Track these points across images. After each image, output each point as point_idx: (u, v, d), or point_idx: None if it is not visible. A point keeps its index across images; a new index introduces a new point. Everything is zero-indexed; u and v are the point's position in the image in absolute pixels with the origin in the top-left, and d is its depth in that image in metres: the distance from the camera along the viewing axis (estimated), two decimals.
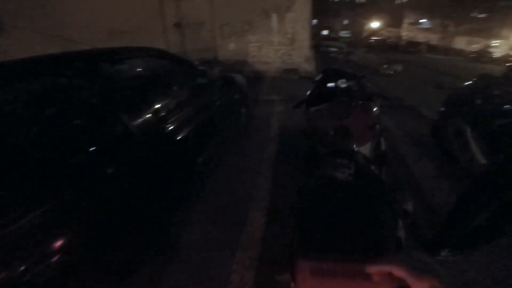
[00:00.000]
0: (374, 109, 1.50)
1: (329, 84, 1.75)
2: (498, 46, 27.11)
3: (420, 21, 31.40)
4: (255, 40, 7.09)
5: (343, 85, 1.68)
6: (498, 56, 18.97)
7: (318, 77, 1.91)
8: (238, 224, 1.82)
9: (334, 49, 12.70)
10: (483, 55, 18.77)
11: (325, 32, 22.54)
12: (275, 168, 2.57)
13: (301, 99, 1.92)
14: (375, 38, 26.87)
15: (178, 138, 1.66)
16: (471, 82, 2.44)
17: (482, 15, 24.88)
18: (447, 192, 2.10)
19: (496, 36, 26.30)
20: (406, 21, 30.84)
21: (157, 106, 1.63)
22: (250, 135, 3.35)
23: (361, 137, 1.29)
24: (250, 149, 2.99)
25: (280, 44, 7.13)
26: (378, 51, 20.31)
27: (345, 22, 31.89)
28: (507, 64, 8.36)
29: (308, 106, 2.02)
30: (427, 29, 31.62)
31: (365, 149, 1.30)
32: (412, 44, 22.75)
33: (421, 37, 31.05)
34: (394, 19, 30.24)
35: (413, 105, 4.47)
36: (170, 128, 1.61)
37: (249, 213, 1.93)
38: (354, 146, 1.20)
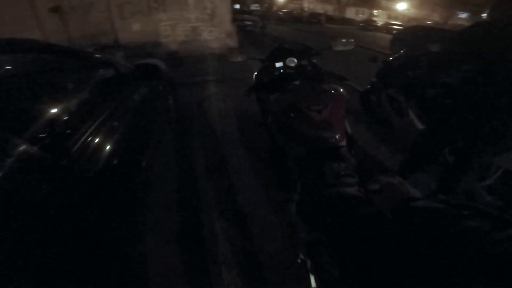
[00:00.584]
0: (344, 92, 1.33)
1: (277, 64, 1.58)
2: (379, 16, 32.91)
3: None
4: (167, 18, 6.26)
5: (292, 64, 1.54)
6: (380, 24, 22.48)
7: (265, 56, 1.74)
8: None
9: (249, 23, 12.53)
10: (369, 24, 21.92)
11: (237, 6, 22.05)
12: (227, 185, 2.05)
13: (251, 84, 1.76)
14: (284, 10, 28.24)
15: (87, 153, 1.12)
16: (399, 54, 2.68)
17: None
18: (385, 152, 2.49)
19: (377, 7, 31.72)
20: None
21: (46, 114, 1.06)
22: (183, 131, 2.91)
23: (338, 127, 1.12)
24: (186, 153, 2.50)
25: (198, 21, 6.54)
26: (287, 23, 21.44)
27: None
28: (393, 32, 10.15)
29: (260, 91, 1.84)
30: (324, 1, 35.08)
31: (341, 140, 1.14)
32: (314, 16, 24.63)
33: (320, 9, 34.29)
34: None
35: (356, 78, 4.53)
36: (76, 141, 1.09)
37: None
38: (337, 140, 1.04)
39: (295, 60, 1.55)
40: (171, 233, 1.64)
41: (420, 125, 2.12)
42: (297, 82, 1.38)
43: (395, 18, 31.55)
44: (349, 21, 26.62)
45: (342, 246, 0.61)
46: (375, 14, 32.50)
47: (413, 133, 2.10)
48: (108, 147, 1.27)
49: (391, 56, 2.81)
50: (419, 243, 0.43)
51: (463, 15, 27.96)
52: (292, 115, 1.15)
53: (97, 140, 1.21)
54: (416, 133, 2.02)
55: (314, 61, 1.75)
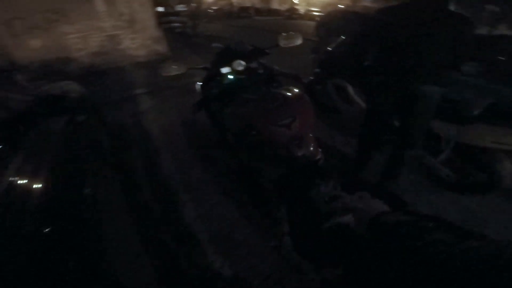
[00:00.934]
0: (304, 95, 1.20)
1: (224, 70, 1.38)
2: (299, 4, 34.73)
3: None
4: (74, 30, 5.36)
5: (240, 68, 1.35)
6: (303, 12, 23.65)
7: (210, 63, 1.55)
8: None
9: (177, 25, 12.03)
10: (293, 12, 22.90)
11: (160, 9, 20.68)
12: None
13: (200, 97, 1.50)
14: (213, 8, 27.63)
15: None
16: (339, 42, 2.65)
17: None
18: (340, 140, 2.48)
19: None
20: None
21: None
22: (125, 163, 2.41)
23: (310, 139, 0.98)
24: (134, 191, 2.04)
25: (115, 29, 5.77)
26: (218, 20, 21.05)
27: None
28: (316, 19, 10.74)
29: (210, 104, 1.58)
30: None
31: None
32: (243, 10, 24.70)
33: (247, 2, 34.72)
34: None
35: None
36: None
37: None
38: (313, 154, 0.90)
39: (243, 63, 1.38)
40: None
41: (364, 105, 2.18)
42: (251, 94, 1.18)
43: (314, 5, 33.92)
44: (276, 12, 27.59)
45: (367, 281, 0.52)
46: (295, 2, 34.26)
47: (360, 115, 2.13)
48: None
49: (320, 43, 2.81)
50: (393, 259, 0.43)
51: None
52: (255, 133, 0.97)
53: None
54: (361, 113, 2.03)
55: (263, 61, 1.61)
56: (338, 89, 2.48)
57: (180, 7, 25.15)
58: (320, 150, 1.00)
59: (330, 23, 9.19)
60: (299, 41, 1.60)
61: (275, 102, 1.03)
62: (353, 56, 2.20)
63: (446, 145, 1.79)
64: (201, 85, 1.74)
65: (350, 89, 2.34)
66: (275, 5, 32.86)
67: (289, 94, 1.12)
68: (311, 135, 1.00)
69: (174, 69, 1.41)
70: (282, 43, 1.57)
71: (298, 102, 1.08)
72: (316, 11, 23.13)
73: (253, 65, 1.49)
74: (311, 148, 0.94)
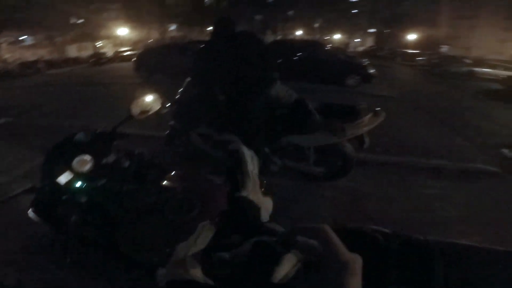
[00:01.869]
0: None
1: (61, 179, 0.94)
2: (104, 46, 31.96)
3: (21, 38, 26.79)
4: None
5: (87, 167, 0.95)
6: (111, 55, 22.01)
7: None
8: None
9: None
10: (100, 57, 20.78)
11: None
12: None
13: None
14: None
15: None
16: (184, 89, 2.47)
17: (81, 21, 26.00)
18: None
19: (98, 38, 30.37)
20: (4, 40, 25.11)
21: None
22: None
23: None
24: None
25: None
26: None
27: None
28: (133, 60, 10.04)
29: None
30: (32, 45, 28.36)
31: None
32: (27, 65, 18.97)
33: (30, 56, 27.60)
34: None
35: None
36: None
37: None
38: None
39: (89, 158, 0.96)
40: None
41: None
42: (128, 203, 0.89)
43: (121, 45, 32.45)
44: (76, 60, 23.88)
45: None
46: (98, 46, 31.33)
47: (226, 155, 2.19)
48: None
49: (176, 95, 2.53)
50: None
51: (173, 27, 35.01)
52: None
53: None
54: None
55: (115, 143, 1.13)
56: (204, 138, 2.39)
57: None
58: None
59: (149, 59, 9.01)
60: (157, 106, 1.25)
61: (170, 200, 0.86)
62: (205, 101, 2.20)
63: (308, 151, 2.16)
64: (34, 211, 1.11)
65: (216, 136, 2.30)
66: (73, 53, 28.26)
67: (184, 181, 0.98)
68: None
69: None
70: (138, 113, 1.17)
71: (199, 188, 0.94)
72: (126, 51, 22.20)
73: (110, 159, 1.05)
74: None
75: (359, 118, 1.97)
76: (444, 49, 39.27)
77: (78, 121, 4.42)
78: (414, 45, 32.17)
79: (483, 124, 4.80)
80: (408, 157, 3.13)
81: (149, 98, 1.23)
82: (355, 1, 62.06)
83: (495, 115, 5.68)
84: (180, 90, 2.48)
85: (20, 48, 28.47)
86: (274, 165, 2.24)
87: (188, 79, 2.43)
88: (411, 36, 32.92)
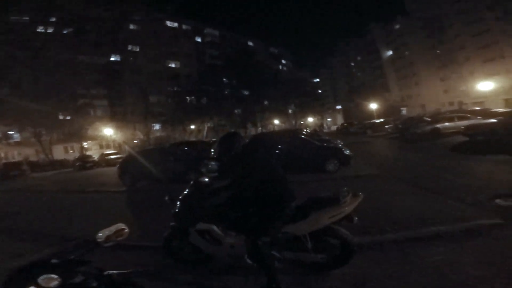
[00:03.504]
0: None
1: None
2: (90, 148, 32.30)
3: (10, 132, 26.90)
4: None
5: None
6: (98, 159, 21.77)
7: None
8: None
9: None
10: (87, 161, 20.14)
11: None
12: None
13: None
14: None
15: None
16: (188, 191, 2.59)
17: (68, 118, 25.69)
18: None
19: (84, 138, 30.70)
20: None
21: None
22: None
23: None
24: None
25: None
26: None
27: None
28: (118, 164, 10.03)
29: None
30: (19, 143, 28.06)
31: None
32: (13, 166, 17.73)
33: (16, 155, 27.05)
34: None
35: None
36: None
37: None
38: None
39: (56, 277, 1.02)
40: None
41: (233, 240, 2.36)
42: None
43: (107, 147, 33.23)
44: (63, 163, 23.85)
45: None
46: (85, 146, 31.69)
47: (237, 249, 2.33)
48: None
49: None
50: None
51: (157, 126, 37.11)
52: None
53: None
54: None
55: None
56: (203, 234, 2.46)
57: None
58: None
59: (132, 166, 9.05)
60: (124, 235, 1.33)
61: None
62: (209, 197, 2.43)
63: (305, 239, 2.25)
64: None
65: (215, 228, 2.41)
66: (59, 153, 28.25)
67: None
68: None
69: None
70: (103, 241, 1.26)
71: None
72: (112, 154, 22.25)
73: (78, 278, 1.11)
74: None
75: (342, 200, 2.20)
76: (404, 111, 44.22)
77: (57, 230, 4.43)
78: (378, 113, 35.90)
79: (466, 181, 4.88)
80: (404, 231, 3.04)
81: (115, 227, 1.32)
82: (318, 82, 72.33)
83: (472, 169, 5.91)
84: (186, 191, 2.62)
85: (7, 145, 28.01)
86: (275, 259, 2.30)
87: (191, 183, 2.64)
88: (373, 105, 36.98)
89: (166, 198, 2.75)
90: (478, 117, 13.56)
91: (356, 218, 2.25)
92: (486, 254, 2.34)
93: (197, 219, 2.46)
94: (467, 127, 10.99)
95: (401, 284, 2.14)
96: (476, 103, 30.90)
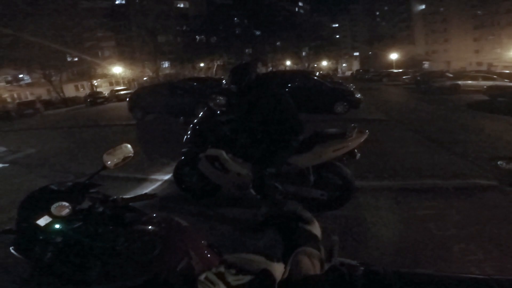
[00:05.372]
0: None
1: (41, 222, 1.05)
2: (100, 85, 32.64)
3: (21, 76, 27.41)
4: None
5: (64, 212, 1.06)
6: (108, 94, 22.51)
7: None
8: None
9: None
10: (97, 97, 20.88)
11: None
12: None
13: None
14: None
15: None
16: (202, 115, 2.60)
17: (75, 59, 26.45)
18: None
19: (94, 77, 30.97)
20: (2, 79, 25.52)
21: None
22: None
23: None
24: None
25: None
26: None
27: None
28: (127, 99, 10.24)
29: None
30: (30, 84, 28.82)
31: None
32: (27, 105, 18.59)
33: (29, 95, 27.86)
34: None
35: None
36: None
37: None
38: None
39: (67, 204, 1.06)
40: None
41: (245, 171, 2.36)
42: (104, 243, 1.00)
43: (117, 83, 33.33)
44: (74, 100, 24.20)
45: None
46: (95, 84, 31.99)
47: (247, 179, 2.34)
48: None
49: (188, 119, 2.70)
50: None
51: (166, 64, 36.40)
52: None
53: None
54: (248, 177, 2.33)
55: (97, 195, 1.22)
56: (212, 161, 2.45)
57: None
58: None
59: (142, 100, 9.18)
60: (130, 153, 1.36)
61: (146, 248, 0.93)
62: (223, 124, 2.47)
63: (308, 172, 2.26)
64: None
65: (224, 154, 2.39)
66: (71, 92, 28.75)
67: (153, 224, 1.05)
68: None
69: None
70: (111, 162, 1.29)
71: (163, 230, 1.01)
72: (122, 90, 22.74)
73: (85, 204, 1.18)
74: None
75: (348, 134, 2.19)
76: (426, 65, 41.19)
77: (73, 165, 4.65)
78: (398, 64, 33.69)
79: (474, 138, 4.81)
80: (401, 180, 3.13)
81: (121, 148, 1.34)
82: (336, 27, 65.86)
83: (485, 127, 5.73)
84: (199, 116, 2.64)
85: (18, 87, 28.78)
86: (277, 191, 2.31)
87: (205, 108, 2.64)
88: (393, 56, 34.55)
89: (181, 118, 2.76)
90: (505, 80, 12.77)
91: (359, 154, 2.25)
92: (472, 215, 2.34)
93: (208, 143, 2.46)
94: (490, 87, 10.51)
95: (386, 233, 2.16)
96: (507, 67, 28.52)
